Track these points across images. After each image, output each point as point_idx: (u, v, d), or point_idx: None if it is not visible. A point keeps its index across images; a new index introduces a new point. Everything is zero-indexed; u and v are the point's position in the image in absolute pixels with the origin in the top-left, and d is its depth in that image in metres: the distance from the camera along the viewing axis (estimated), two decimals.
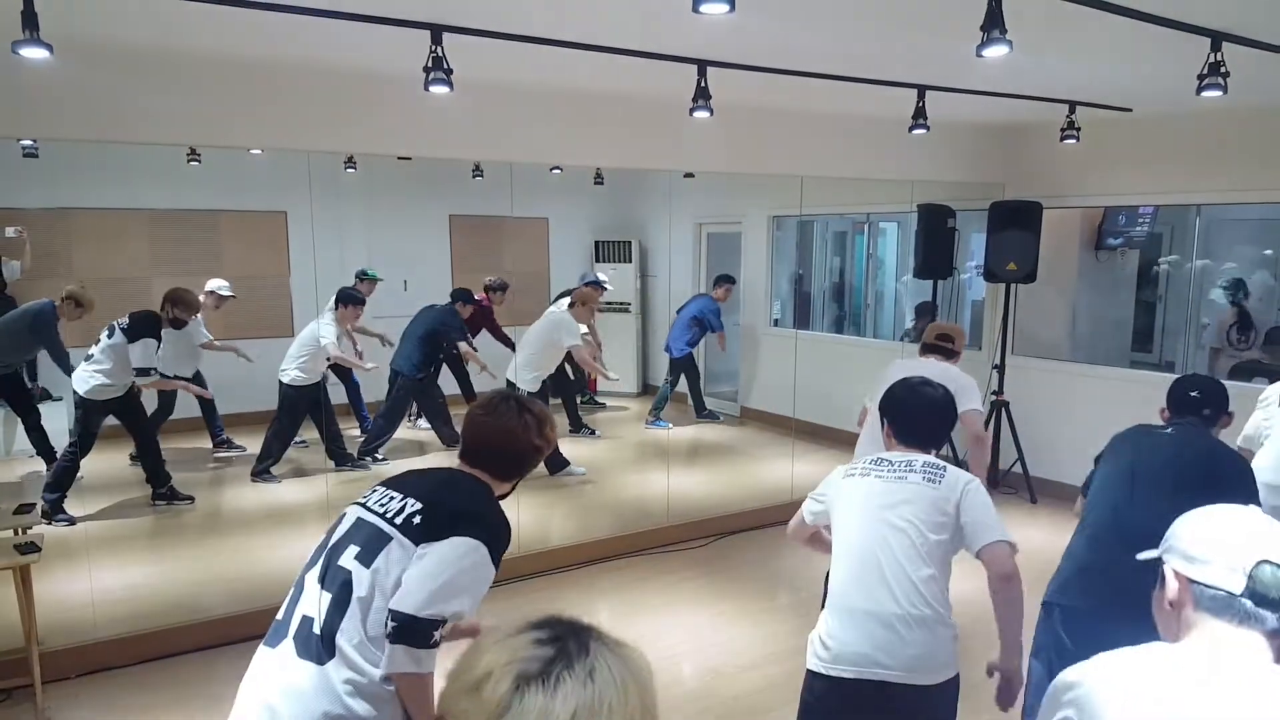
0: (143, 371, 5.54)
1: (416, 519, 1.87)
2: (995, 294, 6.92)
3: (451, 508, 1.91)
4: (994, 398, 6.66)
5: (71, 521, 5.36)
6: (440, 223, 8.28)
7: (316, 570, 1.92)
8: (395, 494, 1.96)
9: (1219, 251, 7.41)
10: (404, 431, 7.37)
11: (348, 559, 1.87)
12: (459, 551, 1.83)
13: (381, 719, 1.81)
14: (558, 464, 6.81)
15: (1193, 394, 2.87)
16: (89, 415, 5.46)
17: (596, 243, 9.43)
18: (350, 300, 6.58)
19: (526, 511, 5.94)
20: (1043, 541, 4.58)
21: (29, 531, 3.89)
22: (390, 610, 1.78)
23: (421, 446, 7.57)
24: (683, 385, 8.59)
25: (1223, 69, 3.47)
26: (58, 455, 5.59)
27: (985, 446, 3.89)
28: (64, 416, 5.98)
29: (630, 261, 9.41)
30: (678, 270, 9.37)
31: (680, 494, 6.41)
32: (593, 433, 8.16)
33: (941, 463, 2.37)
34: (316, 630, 1.82)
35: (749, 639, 4.38)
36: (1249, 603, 1.26)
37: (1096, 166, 6.28)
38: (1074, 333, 7.14)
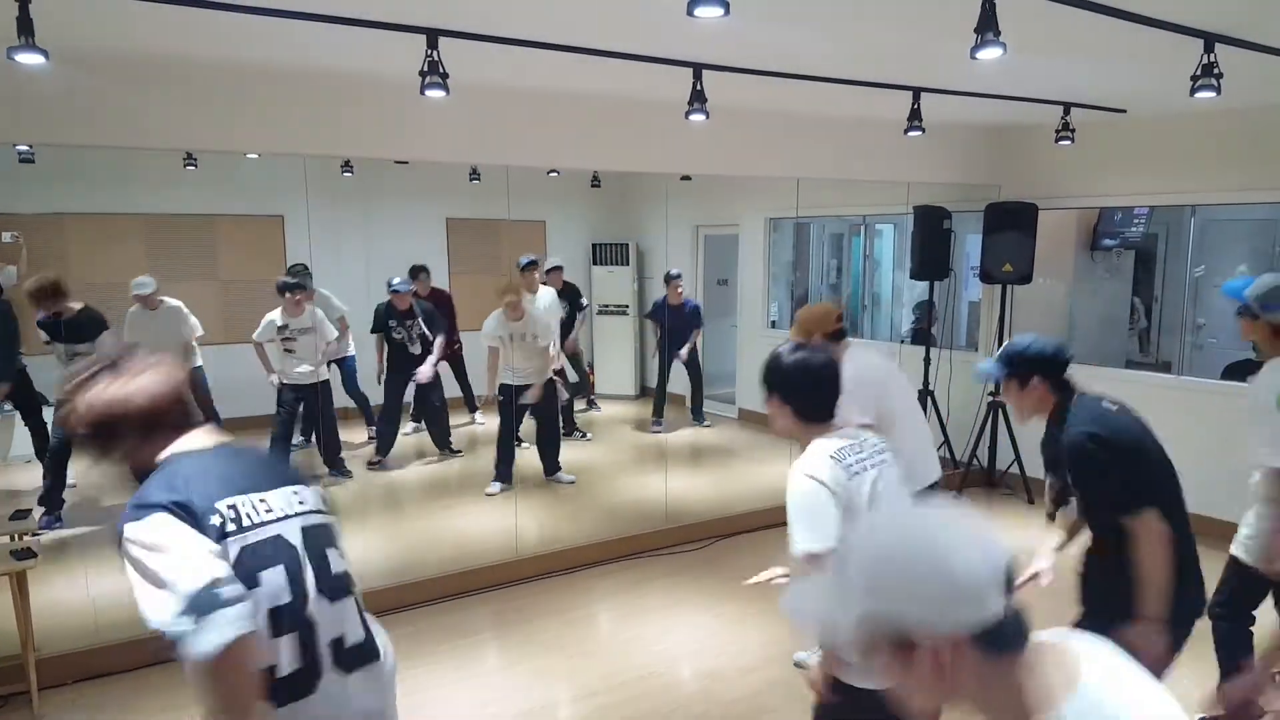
0: None
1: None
2: (991, 295, 6.93)
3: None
4: (990, 399, 6.68)
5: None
6: (437, 226, 8.28)
7: (314, 593, 1.78)
8: (293, 493, 1.86)
9: (1214, 252, 7.43)
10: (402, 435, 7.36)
11: (334, 559, 1.84)
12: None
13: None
14: (551, 468, 6.80)
15: (1068, 357, 2.71)
16: None
17: (594, 245, 9.44)
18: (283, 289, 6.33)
19: (525, 515, 5.94)
20: (1038, 542, 4.56)
21: (25, 538, 3.89)
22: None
23: (421, 451, 7.58)
24: (684, 388, 8.59)
25: (1216, 70, 3.48)
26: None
27: None
28: None
29: (628, 264, 9.41)
30: None
31: (678, 496, 6.41)
32: (585, 435, 8.16)
33: (873, 436, 2.39)
34: (355, 642, 1.83)
35: (748, 642, 4.37)
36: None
37: (1091, 167, 6.29)
38: (1070, 333, 7.16)
